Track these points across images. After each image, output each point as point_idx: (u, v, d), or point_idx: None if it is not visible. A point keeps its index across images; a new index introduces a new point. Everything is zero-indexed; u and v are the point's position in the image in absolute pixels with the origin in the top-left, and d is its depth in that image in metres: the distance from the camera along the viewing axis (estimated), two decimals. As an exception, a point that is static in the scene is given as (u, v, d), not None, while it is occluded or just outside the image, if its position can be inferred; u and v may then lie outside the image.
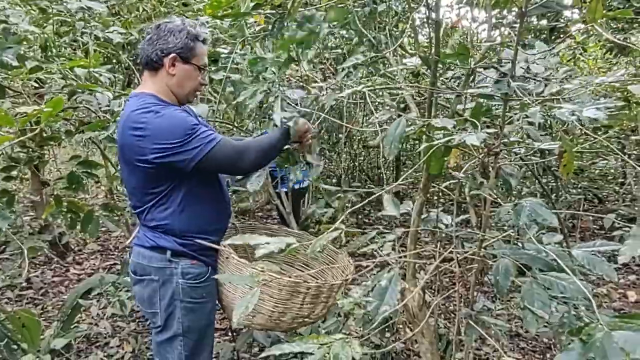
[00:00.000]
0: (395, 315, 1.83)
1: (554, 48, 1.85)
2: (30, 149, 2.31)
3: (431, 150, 1.41)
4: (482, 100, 1.51)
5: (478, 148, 1.64)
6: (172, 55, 1.70)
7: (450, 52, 1.58)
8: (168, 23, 1.73)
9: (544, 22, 4.20)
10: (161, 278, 1.71)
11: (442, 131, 1.42)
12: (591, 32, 4.73)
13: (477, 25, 3.69)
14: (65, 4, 2.68)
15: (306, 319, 1.81)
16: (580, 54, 5.70)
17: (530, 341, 3.10)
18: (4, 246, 4.31)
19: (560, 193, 4.71)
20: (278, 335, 2.39)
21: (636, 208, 4.96)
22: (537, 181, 3.11)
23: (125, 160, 1.71)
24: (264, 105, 2.00)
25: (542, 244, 1.54)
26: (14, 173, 2.38)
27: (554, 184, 4.70)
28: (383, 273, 1.50)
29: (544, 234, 1.65)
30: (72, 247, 4.86)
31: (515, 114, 1.59)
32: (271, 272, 1.60)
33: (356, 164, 6.55)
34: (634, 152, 5.05)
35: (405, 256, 1.81)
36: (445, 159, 1.58)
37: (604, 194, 6.12)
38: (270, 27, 1.79)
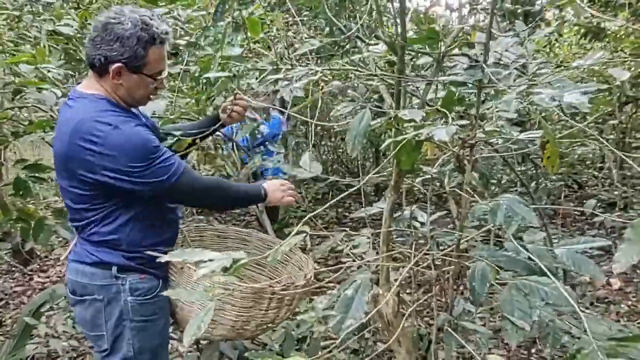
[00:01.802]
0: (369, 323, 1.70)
1: (532, 33, 1.73)
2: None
3: (400, 145, 1.27)
4: (453, 88, 1.38)
5: (452, 140, 1.51)
6: (118, 65, 1.49)
7: (418, 37, 1.44)
8: (116, 24, 1.47)
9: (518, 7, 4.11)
10: (106, 297, 1.54)
11: (412, 124, 1.28)
12: (566, 18, 4.65)
13: (452, 11, 3.57)
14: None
15: (270, 324, 1.71)
16: (556, 39, 5.63)
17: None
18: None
19: (540, 180, 4.63)
20: (245, 345, 2.24)
21: (615, 193, 4.91)
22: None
23: (66, 170, 1.51)
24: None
25: (522, 243, 1.43)
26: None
27: (533, 171, 4.62)
28: (350, 280, 1.37)
29: (524, 231, 1.53)
30: (38, 253, 4.64)
31: (489, 102, 1.45)
32: (233, 282, 1.46)
33: (336, 156, 6.44)
34: (611, 136, 5.01)
35: (377, 259, 1.68)
36: (418, 153, 1.45)
37: (584, 179, 6.08)
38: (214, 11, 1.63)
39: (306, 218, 1.28)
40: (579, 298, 3.26)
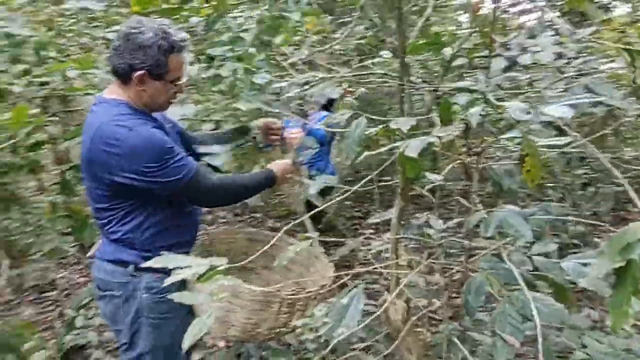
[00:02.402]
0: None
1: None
2: (21, 155, 2.29)
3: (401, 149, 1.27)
4: (453, 96, 1.35)
5: (457, 148, 1.48)
6: (141, 72, 1.56)
7: (421, 42, 1.42)
8: (138, 34, 1.54)
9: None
10: (124, 293, 1.63)
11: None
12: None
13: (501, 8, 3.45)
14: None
15: (282, 329, 1.72)
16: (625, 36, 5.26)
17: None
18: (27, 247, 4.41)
19: (598, 185, 4.35)
20: (271, 345, 2.28)
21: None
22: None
23: (89, 172, 1.62)
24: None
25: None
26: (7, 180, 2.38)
27: (590, 175, 4.35)
28: (346, 289, 1.37)
29: (534, 242, 1.48)
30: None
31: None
32: (241, 284, 1.50)
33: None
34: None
35: (387, 266, 1.67)
36: (422, 161, 1.44)
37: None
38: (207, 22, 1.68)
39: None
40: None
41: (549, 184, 3.63)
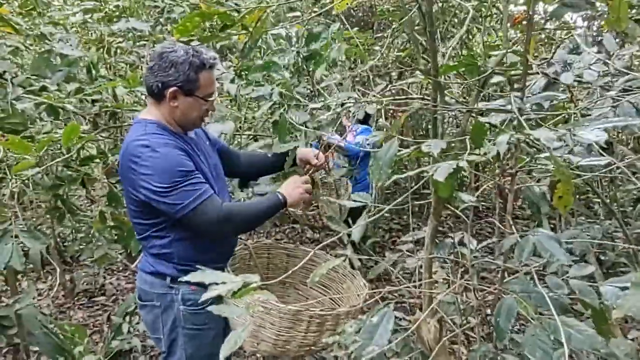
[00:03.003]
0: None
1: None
2: (74, 169, 2.42)
3: (431, 173, 1.27)
4: (486, 117, 1.34)
5: (493, 169, 1.47)
6: (174, 89, 1.64)
7: (453, 64, 1.43)
8: (170, 53, 1.64)
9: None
10: (163, 304, 1.70)
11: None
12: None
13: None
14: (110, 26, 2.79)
15: (312, 347, 1.73)
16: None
17: None
18: (78, 254, 4.61)
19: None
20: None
21: None
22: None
23: (125, 191, 1.71)
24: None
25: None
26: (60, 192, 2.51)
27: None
28: (379, 307, 1.38)
29: (573, 263, 1.45)
30: (146, 253, 5.08)
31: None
32: (270, 301, 1.53)
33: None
34: None
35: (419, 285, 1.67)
36: (454, 181, 1.44)
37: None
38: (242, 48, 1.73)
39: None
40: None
41: (595, 199, 3.52)
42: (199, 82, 1.66)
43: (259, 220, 1.77)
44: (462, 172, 1.22)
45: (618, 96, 1.49)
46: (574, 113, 1.54)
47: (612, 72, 1.60)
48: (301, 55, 1.78)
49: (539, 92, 1.57)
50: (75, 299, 4.19)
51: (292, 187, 1.78)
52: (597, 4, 1.29)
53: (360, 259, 2.06)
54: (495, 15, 4.27)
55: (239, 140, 2.40)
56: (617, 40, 2.08)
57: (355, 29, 3.14)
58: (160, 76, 1.64)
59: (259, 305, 1.53)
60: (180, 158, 1.62)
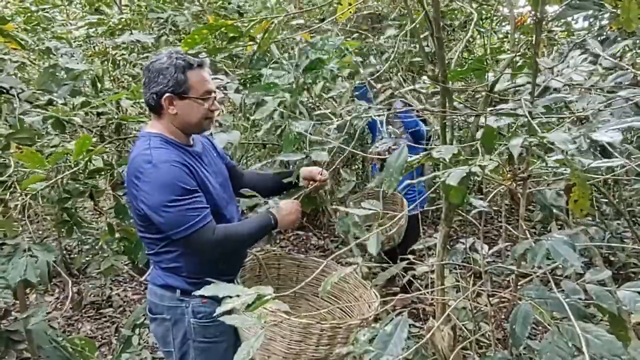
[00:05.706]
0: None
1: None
2: (81, 182, 2.42)
3: (443, 179, 1.26)
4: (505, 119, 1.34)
5: (504, 173, 1.46)
6: (167, 95, 1.62)
7: (462, 69, 1.42)
8: (155, 62, 1.63)
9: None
10: (173, 317, 1.69)
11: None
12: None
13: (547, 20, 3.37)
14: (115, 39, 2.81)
15: (324, 360, 1.71)
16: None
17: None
18: (85, 266, 4.61)
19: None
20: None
21: None
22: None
23: (131, 205, 1.69)
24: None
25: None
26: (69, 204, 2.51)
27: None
28: (391, 316, 1.37)
29: (588, 267, 1.43)
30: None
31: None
32: (280, 313, 1.52)
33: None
34: None
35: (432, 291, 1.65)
36: (466, 187, 1.42)
37: None
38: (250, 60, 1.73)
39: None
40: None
41: (602, 199, 3.49)
42: (188, 82, 1.64)
43: (252, 240, 1.76)
44: (476, 177, 1.21)
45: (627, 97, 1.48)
46: (581, 115, 1.53)
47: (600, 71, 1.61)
48: (300, 69, 1.76)
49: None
50: (83, 311, 4.18)
51: (285, 213, 1.78)
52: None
53: (369, 267, 2.03)
54: (495, 18, 4.27)
55: (246, 147, 2.40)
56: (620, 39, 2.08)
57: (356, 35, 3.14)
58: (152, 88, 1.63)
59: (269, 317, 1.52)
60: (183, 174, 1.59)
